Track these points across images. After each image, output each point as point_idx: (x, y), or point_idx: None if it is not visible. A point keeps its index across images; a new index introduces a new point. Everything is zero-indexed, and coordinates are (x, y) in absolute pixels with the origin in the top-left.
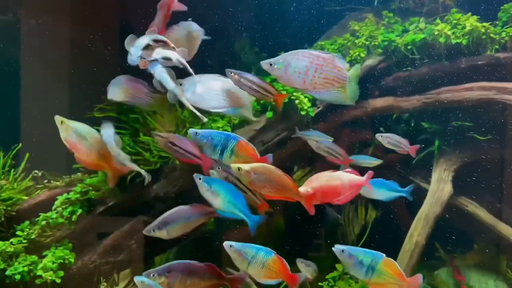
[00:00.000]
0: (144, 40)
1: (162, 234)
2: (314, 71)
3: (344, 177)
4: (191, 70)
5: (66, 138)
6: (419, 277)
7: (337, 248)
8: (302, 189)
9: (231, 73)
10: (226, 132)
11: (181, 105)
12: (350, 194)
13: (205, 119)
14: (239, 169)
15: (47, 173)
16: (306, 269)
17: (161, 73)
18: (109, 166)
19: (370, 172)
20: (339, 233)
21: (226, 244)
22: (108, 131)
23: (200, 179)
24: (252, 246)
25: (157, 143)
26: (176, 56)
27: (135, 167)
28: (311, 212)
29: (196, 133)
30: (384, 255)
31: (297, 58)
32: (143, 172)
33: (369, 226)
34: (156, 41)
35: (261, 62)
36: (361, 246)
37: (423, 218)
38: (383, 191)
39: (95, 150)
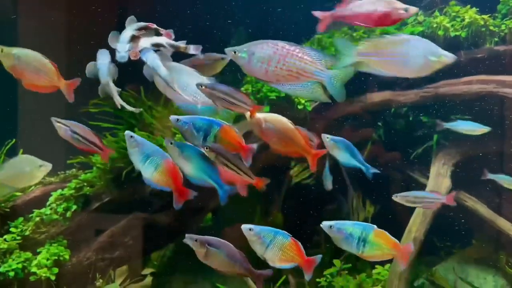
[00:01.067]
0: (128, 32)
1: (201, 251)
2: (276, 61)
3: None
4: (183, 45)
5: (11, 66)
6: (410, 245)
7: (324, 224)
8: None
9: (201, 86)
10: (209, 118)
11: None
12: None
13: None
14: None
15: None
16: None
17: (154, 60)
18: (62, 83)
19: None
20: None
21: (244, 227)
22: (103, 57)
23: (171, 143)
24: (270, 229)
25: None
26: (166, 40)
27: (119, 101)
28: (313, 168)
29: (178, 119)
30: (375, 226)
31: (262, 47)
32: (128, 107)
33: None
34: (139, 29)
35: (226, 50)
36: None
37: (421, 214)
38: (345, 154)
39: (43, 72)
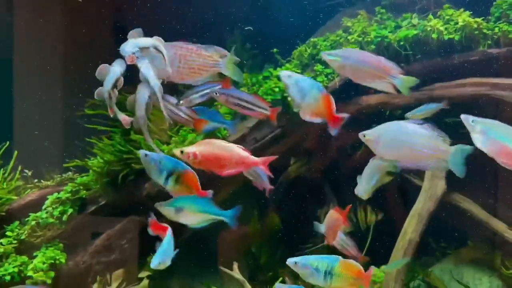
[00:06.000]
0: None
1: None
2: (178, 61)
3: (235, 151)
4: (165, 55)
5: None
6: (370, 270)
7: (290, 261)
8: (188, 149)
9: (216, 93)
10: (175, 159)
11: None
12: (235, 170)
13: (171, 122)
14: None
15: (38, 171)
16: None
17: (147, 69)
18: None
19: (270, 158)
20: None
21: None
22: (143, 91)
23: (161, 205)
24: None
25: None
26: (151, 42)
27: (148, 139)
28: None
29: (146, 154)
30: (340, 257)
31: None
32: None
33: (371, 228)
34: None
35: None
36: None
37: (416, 215)
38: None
39: None
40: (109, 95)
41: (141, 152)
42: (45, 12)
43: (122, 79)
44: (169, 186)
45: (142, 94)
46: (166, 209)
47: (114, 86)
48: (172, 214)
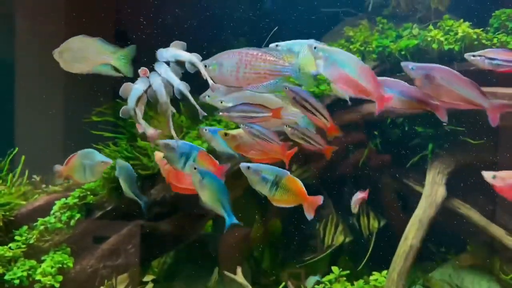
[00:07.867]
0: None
1: None
2: (244, 67)
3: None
4: (205, 73)
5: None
6: (319, 197)
7: (242, 165)
8: None
9: (286, 88)
10: (189, 143)
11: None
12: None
13: (175, 136)
14: (226, 134)
15: (45, 177)
16: None
17: (159, 86)
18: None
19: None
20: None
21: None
22: (155, 78)
23: (195, 168)
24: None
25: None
26: (189, 57)
27: (170, 125)
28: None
29: (168, 144)
30: (288, 172)
31: (228, 57)
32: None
33: (373, 234)
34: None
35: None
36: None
37: (417, 221)
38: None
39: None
40: (134, 112)
41: (161, 142)
42: (48, 14)
43: (145, 96)
44: (186, 169)
45: (138, 87)
46: (195, 173)
47: (138, 103)
48: (197, 180)
